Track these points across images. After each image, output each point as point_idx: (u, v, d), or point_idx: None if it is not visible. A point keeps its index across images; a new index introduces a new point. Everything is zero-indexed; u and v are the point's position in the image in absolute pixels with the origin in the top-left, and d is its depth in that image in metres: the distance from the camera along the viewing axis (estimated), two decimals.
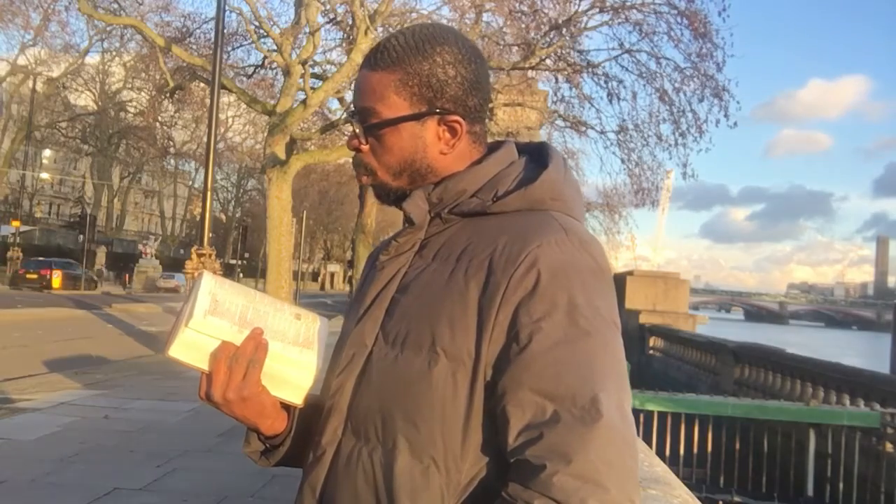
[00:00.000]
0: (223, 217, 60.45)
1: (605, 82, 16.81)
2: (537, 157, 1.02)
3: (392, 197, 1.03)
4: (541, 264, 0.87)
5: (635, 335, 22.93)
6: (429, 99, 0.97)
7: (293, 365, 1.00)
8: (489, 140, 1.07)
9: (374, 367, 0.94)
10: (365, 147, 1.02)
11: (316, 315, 1.07)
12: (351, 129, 1.04)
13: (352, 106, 1.06)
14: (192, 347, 0.97)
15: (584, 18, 15.63)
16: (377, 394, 0.92)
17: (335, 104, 19.10)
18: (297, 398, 1.01)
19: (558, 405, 0.82)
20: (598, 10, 15.54)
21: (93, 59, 44.14)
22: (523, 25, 14.84)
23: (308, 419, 1.03)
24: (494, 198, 0.96)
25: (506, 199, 0.96)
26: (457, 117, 0.98)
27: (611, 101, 17.07)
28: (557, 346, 0.84)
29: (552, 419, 0.81)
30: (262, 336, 0.97)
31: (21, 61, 39.82)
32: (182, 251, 49.17)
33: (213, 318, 0.96)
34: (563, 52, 15.88)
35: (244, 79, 18.41)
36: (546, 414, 0.82)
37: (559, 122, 20.46)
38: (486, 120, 1.06)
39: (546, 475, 0.79)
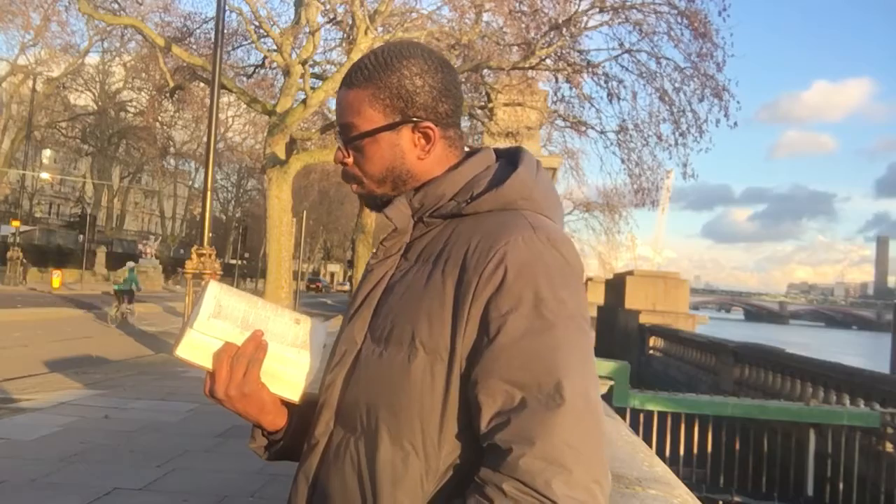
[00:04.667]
0: (223, 217, 60.42)
1: (605, 82, 16.84)
2: (512, 160, 1.08)
3: (379, 203, 1.10)
4: (508, 261, 0.92)
5: (635, 335, 22.93)
6: (401, 109, 1.04)
7: (291, 364, 1.08)
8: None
9: (362, 363, 1.00)
10: (349, 160, 1.09)
11: (314, 319, 1.15)
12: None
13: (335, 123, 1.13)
14: (197, 348, 1.05)
15: (584, 18, 15.65)
16: (363, 387, 0.99)
17: (335, 104, 19.08)
18: (294, 395, 1.09)
19: (525, 392, 0.87)
20: (598, 10, 15.55)
21: (93, 59, 44.20)
22: (523, 25, 14.83)
23: (307, 416, 1.09)
24: (468, 199, 1.02)
25: (479, 201, 1.02)
26: (429, 124, 1.05)
27: (611, 101, 17.12)
28: (524, 337, 0.89)
29: (519, 406, 0.87)
30: (261, 337, 1.05)
31: (21, 61, 39.79)
32: (182, 251, 49.19)
33: (217, 321, 1.05)
34: (563, 52, 15.87)
35: (244, 79, 18.41)
36: (514, 401, 0.87)
37: (559, 122, 20.47)
38: (460, 125, 1.13)
39: (513, 458, 0.84)
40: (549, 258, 0.94)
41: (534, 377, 0.88)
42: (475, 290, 0.93)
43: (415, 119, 1.05)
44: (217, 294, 1.07)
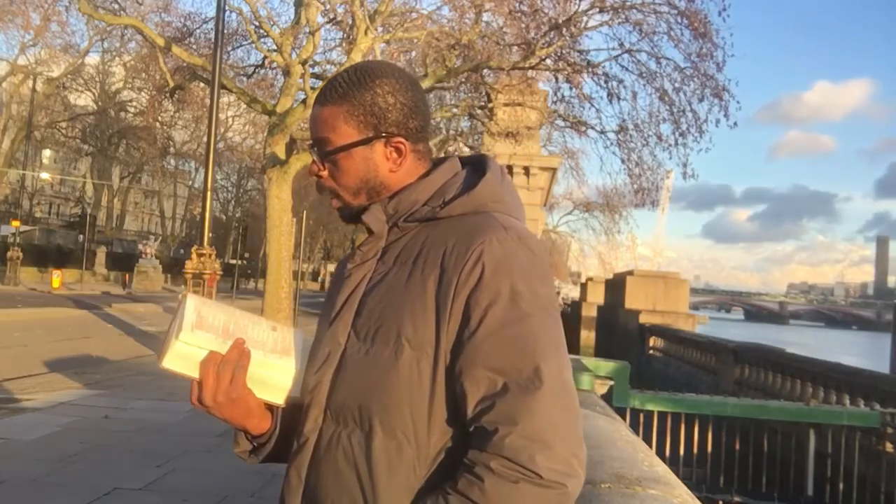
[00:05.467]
0: (223, 217, 60.39)
1: (605, 82, 16.78)
2: (478, 167, 1.16)
3: (355, 215, 1.16)
4: (485, 259, 1.00)
5: (635, 335, 22.91)
6: (374, 125, 1.11)
7: (274, 369, 1.12)
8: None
9: (349, 361, 1.06)
10: (324, 173, 1.16)
11: (291, 327, 1.20)
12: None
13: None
14: (183, 358, 1.08)
15: (584, 18, 15.60)
16: (352, 384, 1.04)
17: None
18: (278, 398, 1.14)
19: (507, 378, 0.95)
20: (598, 9, 15.52)
21: (93, 59, 44.13)
22: (523, 25, 14.80)
23: (290, 417, 1.15)
24: (442, 204, 1.09)
25: (452, 205, 1.09)
26: (400, 138, 1.12)
27: (611, 101, 17.02)
28: (503, 327, 0.97)
29: (502, 390, 0.95)
30: (244, 345, 1.10)
31: (21, 61, 39.73)
32: (182, 251, 49.11)
33: (200, 331, 1.08)
34: (563, 52, 15.84)
35: (244, 79, 18.37)
36: (497, 386, 0.95)
37: (559, 122, 20.41)
38: (428, 139, 1.20)
39: (498, 438, 0.92)
40: (521, 255, 1.02)
41: (514, 364, 0.95)
42: (456, 288, 1.00)
43: (387, 134, 1.11)
44: (196, 306, 1.11)
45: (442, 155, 1.20)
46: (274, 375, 1.12)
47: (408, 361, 1.00)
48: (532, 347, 0.96)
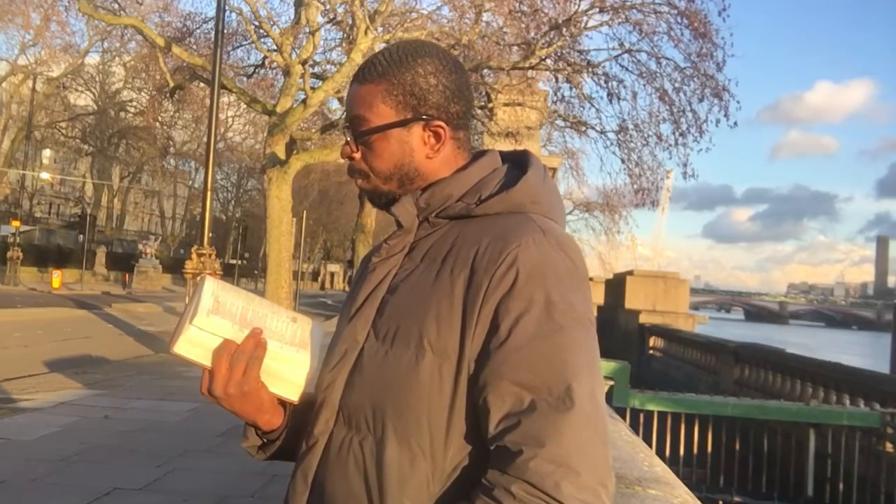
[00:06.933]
0: (223, 217, 60.38)
1: (605, 82, 16.77)
2: (519, 164, 1.08)
3: (383, 200, 1.09)
4: (519, 263, 0.92)
5: (635, 335, 22.92)
6: (413, 106, 1.04)
7: (290, 363, 1.05)
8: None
9: (366, 362, 0.99)
10: (357, 154, 1.09)
11: (310, 319, 1.13)
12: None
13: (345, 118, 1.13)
14: (196, 344, 1.01)
15: (584, 18, 15.60)
16: (368, 386, 0.98)
17: (335, 104, 19.06)
18: (293, 394, 1.07)
19: (535, 395, 0.87)
20: (598, 9, 15.52)
21: (93, 59, 44.10)
22: (523, 25, 14.81)
23: (302, 415, 1.08)
24: (478, 201, 1.02)
25: (488, 203, 1.01)
26: (440, 123, 1.05)
27: (611, 101, 17.01)
28: (534, 340, 0.89)
29: (529, 408, 0.87)
30: (261, 335, 1.03)
31: (21, 61, 39.75)
32: (182, 251, 49.13)
33: (216, 317, 1.01)
34: (563, 52, 15.85)
35: (244, 79, 18.38)
36: (524, 403, 0.87)
37: (559, 122, 20.41)
38: (469, 127, 1.12)
39: (522, 460, 0.84)
40: (558, 261, 0.94)
41: (543, 380, 0.88)
42: (486, 292, 0.92)
43: (427, 117, 1.05)
44: (215, 290, 1.04)
45: None
46: (289, 370, 1.05)
47: (429, 367, 0.93)
48: (564, 363, 0.88)
